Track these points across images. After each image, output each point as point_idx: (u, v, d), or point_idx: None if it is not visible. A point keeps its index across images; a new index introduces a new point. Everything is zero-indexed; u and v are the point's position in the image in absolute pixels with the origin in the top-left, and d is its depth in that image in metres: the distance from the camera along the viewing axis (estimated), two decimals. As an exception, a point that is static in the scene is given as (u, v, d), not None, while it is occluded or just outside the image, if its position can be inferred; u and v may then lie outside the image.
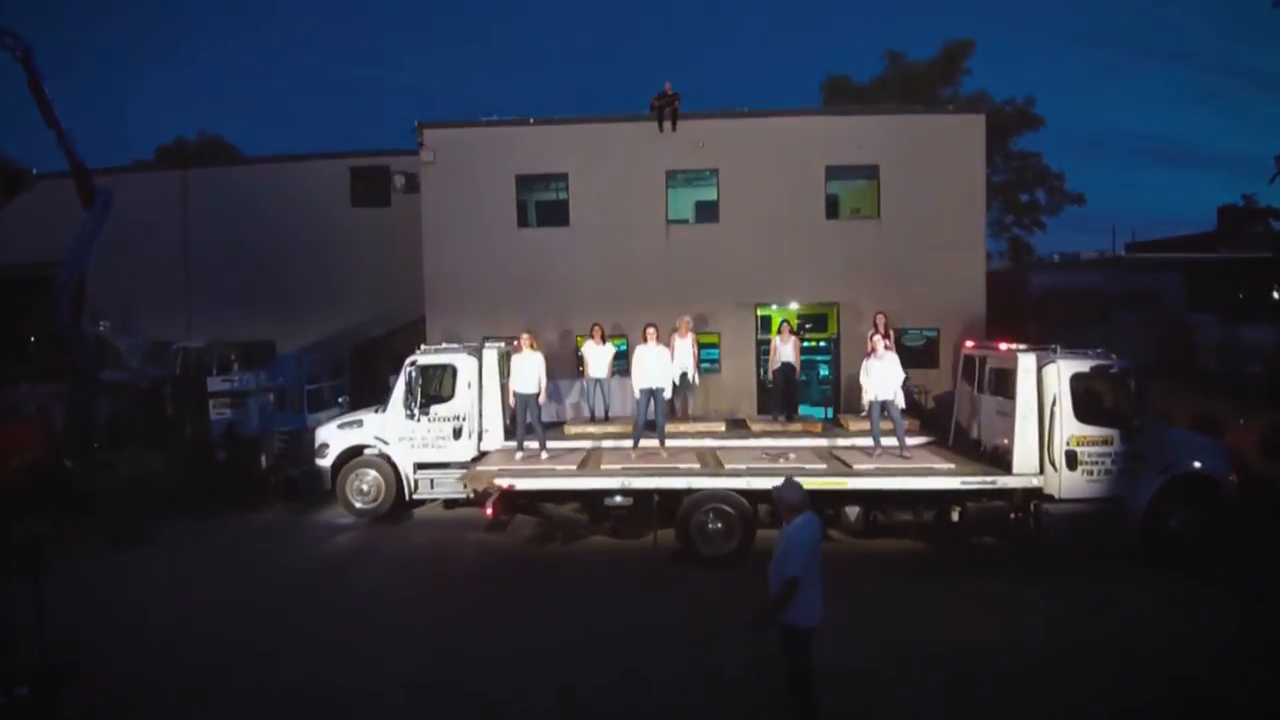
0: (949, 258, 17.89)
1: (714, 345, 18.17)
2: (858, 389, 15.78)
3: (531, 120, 18.25)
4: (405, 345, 19.08)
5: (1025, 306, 25.06)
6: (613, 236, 18.05)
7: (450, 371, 12.36)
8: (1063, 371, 9.99)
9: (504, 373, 12.45)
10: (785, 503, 5.60)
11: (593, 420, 13.45)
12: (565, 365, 18.04)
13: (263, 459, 13.01)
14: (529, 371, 11.05)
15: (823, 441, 12.25)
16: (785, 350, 13.38)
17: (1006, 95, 28.31)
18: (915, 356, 17.96)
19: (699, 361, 13.41)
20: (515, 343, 11.64)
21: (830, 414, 17.70)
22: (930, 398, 17.75)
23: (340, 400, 14.49)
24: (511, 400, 11.39)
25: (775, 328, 16.35)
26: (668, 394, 11.20)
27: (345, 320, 21.92)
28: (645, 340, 11.24)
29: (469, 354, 12.41)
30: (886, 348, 11.17)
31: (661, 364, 11.06)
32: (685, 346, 13.31)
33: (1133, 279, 25.58)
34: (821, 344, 18.55)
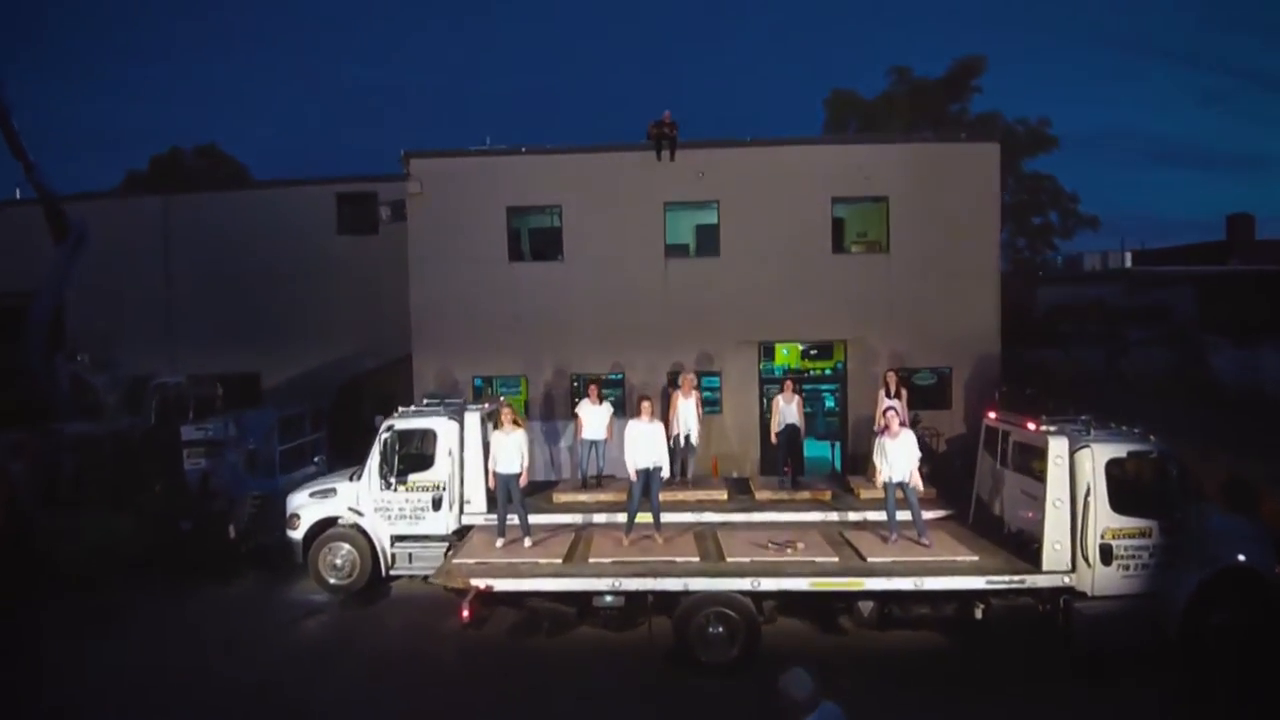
0: (961, 292, 16.86)
1: (715, 381, 17.20)
2: (867, 440, 14.97)
3: (523, 149, 17.22)
4: (393, 384, 18.29)
5: (1032, 323, 24.07)
6: (609, 271, 17.04)
7: (429, 437, 11.38)
8: (1097, 457, 8.98)
9: (487, 435, 11.51)
10: (792, 701, 4.61)
11: (585, 485, 12.47)
12: (561, 406, 17.11)
13: (230, 529, 12.06)
14: (510, 451, 10.06)
15: (833, 516, 11.25)
16: (790, 411, 12.37)
17: (1016, 112, 27.30)
18: (926, 396, 17.00)
19: (702, 419, 12.40)
20: (498, 409, 10.59)
21: (837, 456, 16.78)
22: (942, 440, 16.78)
23: (316, 460, 13.53)
24: (491, 481, 10.41)
25: (781, 357, 15.42)
26: (665, 473, 10.20)
27: (333, 352, 21.01)
28: (640, 414, 10.20)
29: (449, 417, 11.43)
30: (902, 424, 10.11)
31: (658, 443, 10.05)
32: (689, 406, 12.31)
33: (1142, 292, 24.54)
34: (826, 372, 17.54)
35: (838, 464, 16.76)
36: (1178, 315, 23.65)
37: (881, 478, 10.06)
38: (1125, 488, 9.12)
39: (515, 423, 10.17)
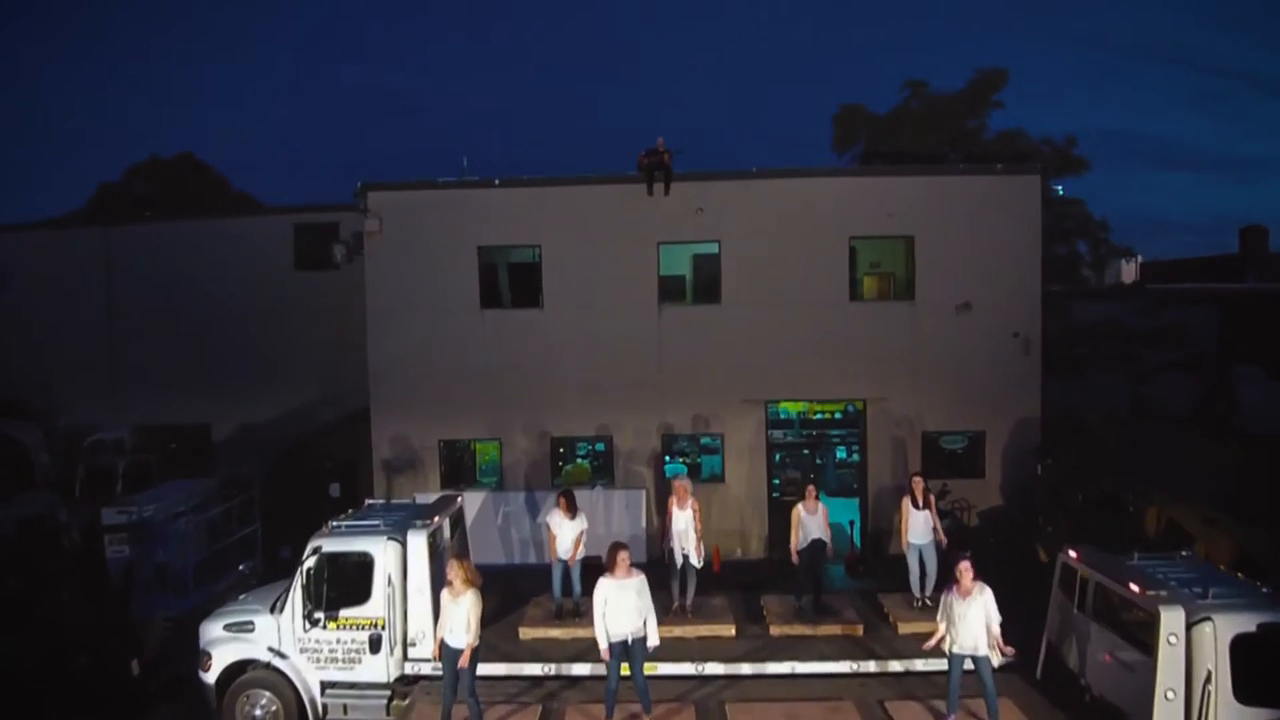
0: (997, 346, 14.58)
1: (714, 443, 14.95)
2: (889, 511, 12.74)
3: (497, 182, 14.87)
4: (350, 445, 16.04)
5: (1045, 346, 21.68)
6: (594, 319, 14.73)
7: (365, 563, 9.11)
8: (1221, 634, 6.72)
9: (434, 556, 9.25)
10: None
11: (561, 614, 10.18)
12: (541, 474, 14.90)
13: (134, 665, 9.80)
14: (458, 618, 7.78)
15: (869, 664, 8.94)
16: (813, 524, 10.05)
17: (1032, 125, 24.71)
18: (955, 463, 14.82)
19: (701, 537, 10.08)
20: (453, 567, 8.18)
21: (857, 531, 14.57)
22: (974, 513, 14.59)
23: (243, 567, 11.25)
24: (437, 653, 8.15)
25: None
26: (653, 640, 7.89)
27: (291, 399, 18.71)
28: (614, 570, 7.81)
29: (390, 539, 9.14)
30: (975, 579, 7.70)
31: (638, 606, 7.72)
32: (686, 519, 9.99)
33: (1158, 311, 22.29)
34: (837, 415, 15.23)
35: (857, 539, 14.59)
36: (1197, 337, 21.35)
37: (946, 645, 7.79)
38: (1255, 669, 6.88)
39: (467, 582, 7.87)
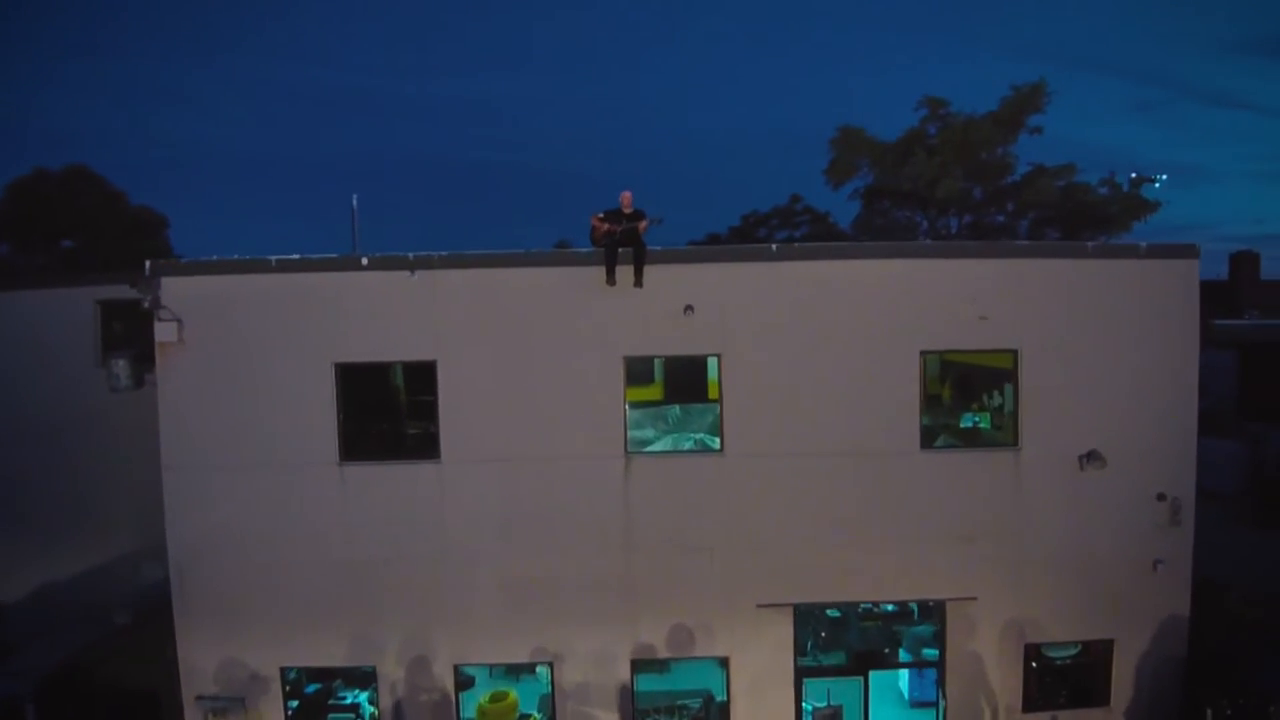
0: (1135, 513, 9.28)
1: (715, 674, 9.35)
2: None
3: (365, 261, 9.05)
4: (150, 668, 10.10)
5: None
6: (523, 478, 9.04)
7: None
8: None
9: None
10: None
11: None
12: (438, 721, 9.11)
13: None
14: None
15: None
16: None
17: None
18: (1067, 682, 9.49)
19: None
20: None
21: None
22: (1103, 768, 9.25)
23: None
24: None
25: None
26: None
27: (103, 550, 12.62)
28: None
29: None
30: None
31: None
32: None
33: None
34: (899, 629, 9.83)
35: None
36: (1212, 388, 16.60)
37: None
38: None
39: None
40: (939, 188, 16.73)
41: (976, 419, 10.05)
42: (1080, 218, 15.93)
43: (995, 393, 10.05)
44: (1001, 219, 20.10)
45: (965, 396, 10.14)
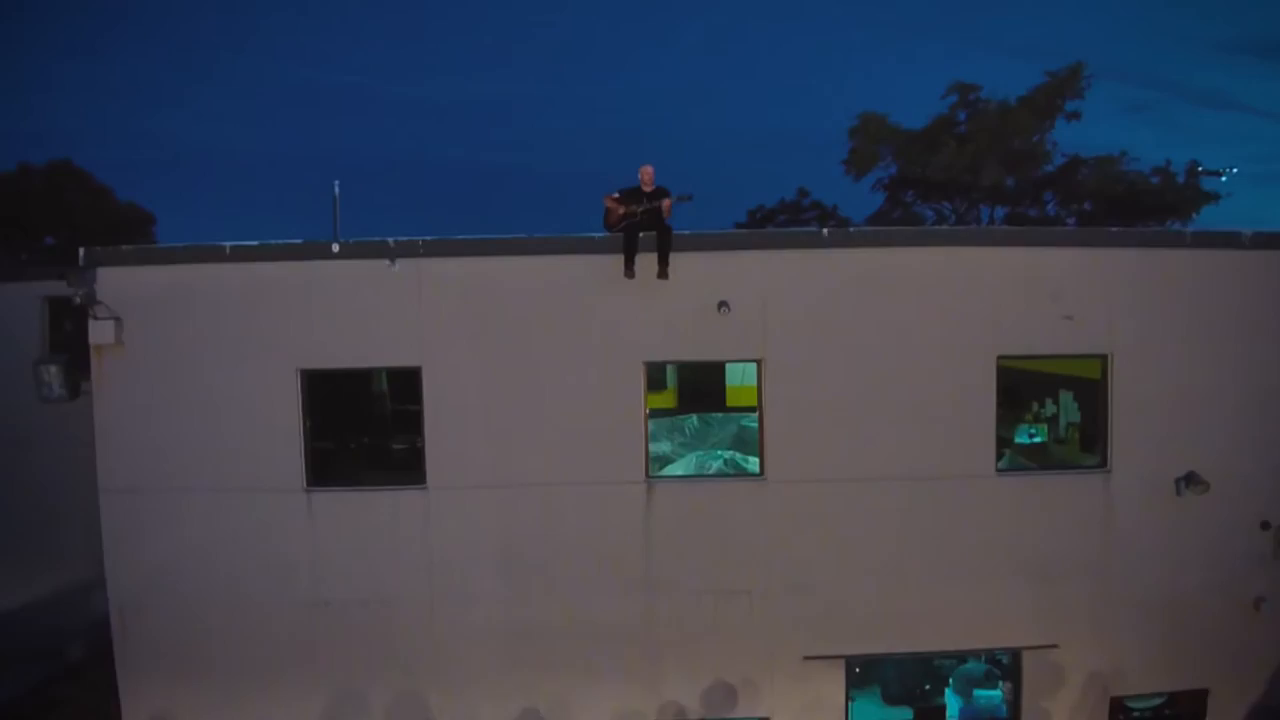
0: (1237, 545, 7.82)
1: None
2: None
3: (336, 248, 7.55)
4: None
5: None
6: (523, 507, 7.55)
7: None
8: None
9: None
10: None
11: None
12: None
13: None
14: None
15: None
16: None
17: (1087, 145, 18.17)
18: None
19: None
20: None
21: None
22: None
23: None
24: None
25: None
26: None
27: (53, 577, 11.17)
28: None
29: None
30: None
31: None
32: None
33: None
34: (977, 692, 8.35)
35: None
36: None
37: None
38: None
39: None
40: (982, 175, 15.25)
41: (1032, 431, 8.65)
42: (1141, 206, 14.47)
43: (1049, 400, 8.67)
44: (1035, 212, 18.67)
45: (1014, 406, 8.70)
